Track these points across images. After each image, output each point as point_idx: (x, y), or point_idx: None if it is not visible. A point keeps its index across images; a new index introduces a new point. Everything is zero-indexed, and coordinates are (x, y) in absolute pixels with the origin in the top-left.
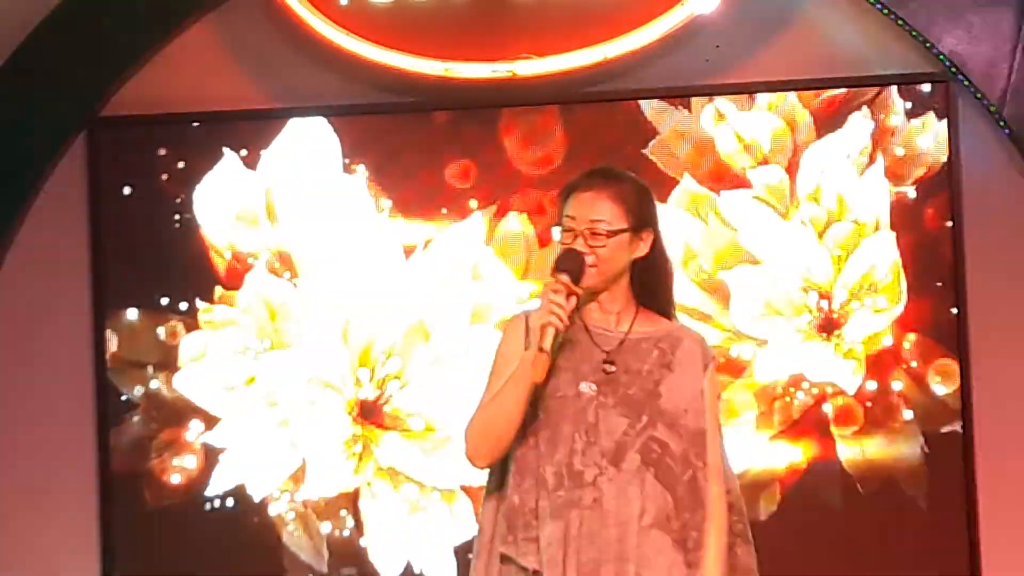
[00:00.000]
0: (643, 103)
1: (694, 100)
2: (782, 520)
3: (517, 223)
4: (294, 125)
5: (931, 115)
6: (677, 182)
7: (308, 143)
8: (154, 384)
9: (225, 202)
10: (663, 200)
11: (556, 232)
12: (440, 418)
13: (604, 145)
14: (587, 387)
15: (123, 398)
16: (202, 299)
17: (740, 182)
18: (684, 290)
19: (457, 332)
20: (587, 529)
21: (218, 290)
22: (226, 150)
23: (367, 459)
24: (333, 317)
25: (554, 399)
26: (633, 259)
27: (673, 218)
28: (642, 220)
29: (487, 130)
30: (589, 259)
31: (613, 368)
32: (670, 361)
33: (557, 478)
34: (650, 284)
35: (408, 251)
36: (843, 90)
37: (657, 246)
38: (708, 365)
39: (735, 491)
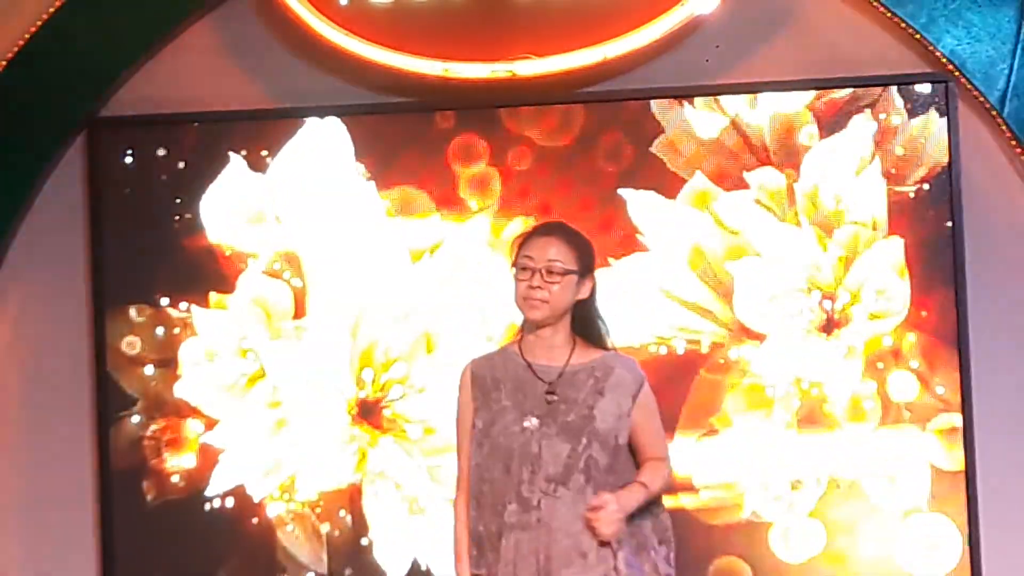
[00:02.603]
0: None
1: (697, 100)
2: (782, 520)
3: (520, 224)
4: (306, 126)
5: (932, 115)
6: (682, 179)
7: (318, 144)
8: (154, 384)
9: (228, 202)
10: (672, 197)
11: (513, 272)
12: (439, 426)
13: (609, 144)
14: (530, 422)
15: (122, 397)
16: (202, 299)
17: (740, 183)
18: (689, 286)
19: (462, 339)
20: (533, 547)
21: (218, 290)
22: (231, 153)
23: (365, 460)
24: (335, 318)
25: (502, 436)
26: (576, 300)
27: (681, 214)
28: (587, 267)
29: (487, 130)
30: (542, 294)
31: (555, 398)
32: (602, 387)
33: (508, 505)
34: (587, 322)
35: (410, 252)
36: (844, 92)
37: (595, 293)
38: (640, 388)
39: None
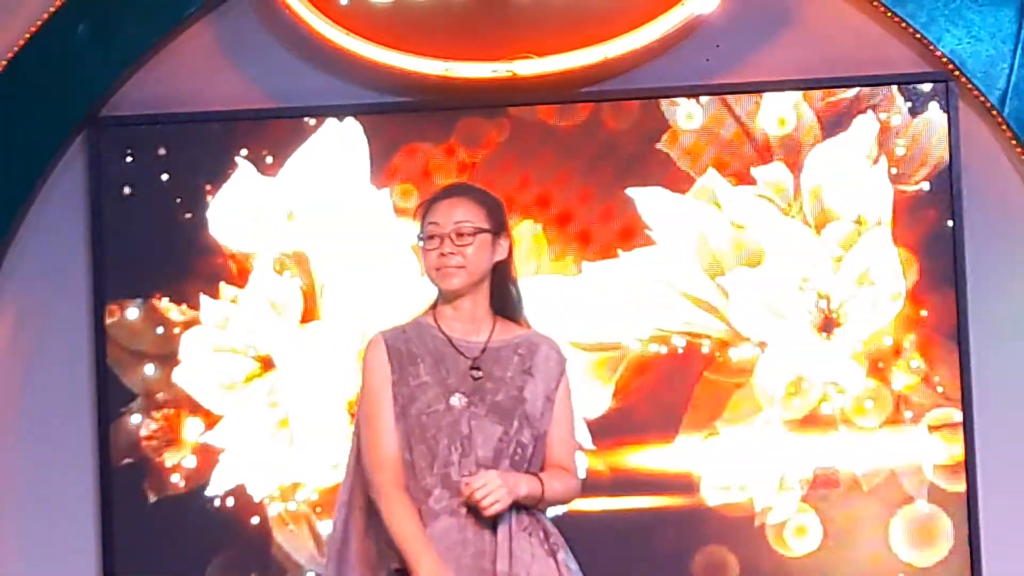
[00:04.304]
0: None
1: (701, 98)
2: (784, 519)
3: (522, 223)
4: (308, 125)
5: (932, 115)
6: (689, 175)
7: (322, 143)
8: (154, 384)
9: (230, 202)
10: (678, 192)
11: (419, 243)
12: None
13: (613, 142)
14: (457, 400)
15: (123, 396)
16: (202, 299)
17: (745, 179)
18: (697, 282)
19: None
20: (466, 535)
21: (218, 289)
22: (232, 153)
23: None
24: (334, 317)
25: (426, 415)
26: (494, 263)
27: (690, 210)
28: (500, 224)
29: (488, 130)
30: (456, 260)
31: (480, 374)
32: (530, 367)
33: (436, 488)
34: (505, 291)
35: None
36: (846, 91)
37: (511, 254)
38: (563, 371)
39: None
